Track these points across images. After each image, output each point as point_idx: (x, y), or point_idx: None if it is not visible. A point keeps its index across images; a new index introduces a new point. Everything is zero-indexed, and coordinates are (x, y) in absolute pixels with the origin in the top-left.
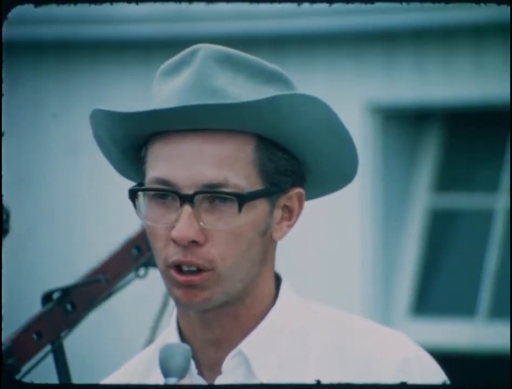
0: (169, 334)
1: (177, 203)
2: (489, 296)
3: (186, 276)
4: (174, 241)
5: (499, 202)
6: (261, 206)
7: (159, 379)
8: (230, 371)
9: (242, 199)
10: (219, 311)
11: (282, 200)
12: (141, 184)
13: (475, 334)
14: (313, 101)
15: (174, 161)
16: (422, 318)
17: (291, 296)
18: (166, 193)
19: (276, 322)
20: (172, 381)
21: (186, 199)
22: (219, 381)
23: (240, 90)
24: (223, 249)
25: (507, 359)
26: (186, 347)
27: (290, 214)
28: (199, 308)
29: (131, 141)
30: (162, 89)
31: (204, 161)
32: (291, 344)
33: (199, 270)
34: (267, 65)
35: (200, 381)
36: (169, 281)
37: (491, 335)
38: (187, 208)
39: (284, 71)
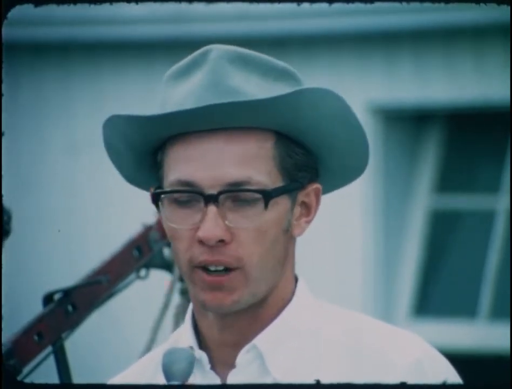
0: (182, 333)
1: (201, 204)
2: (490, 297)
3: (214, 277)
4: (201, 241)
5: (500, 203)
6: (283, 202)
7: (164, 382)
8: (244, 366)
9: (267, 196)
10: (239, 312)
11: (301, 197)
12: (158, 188)
13: (475, 335)
14: (328, 94)
15: (196, 162)
16: (423, 319)
17: (307, 295)
18: (189, 195)
19: (291, 320)
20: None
21: (211, 199)
22: (232, 375)
23: (255, 88)
24: (249, 247)
25: (508, 360)
26: (190, 351)
27: (308, 210)
28: (227, 311)
29: (148, 145)
30: (175, 92)
31: (226, 160)
32: (305, 342)
33: (226, 270)
34: (277, 62)
35: (213, 376)
36: (195, 284)
37: (492, 337)
38: (212, 208)
39: (291, 67)
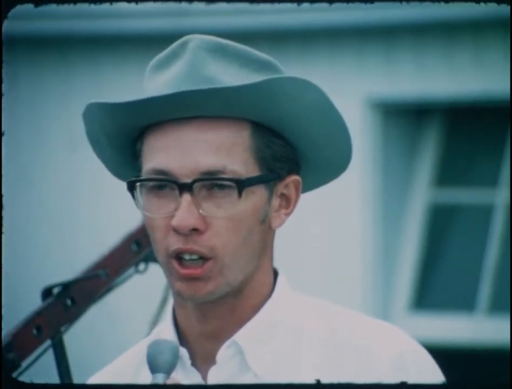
0: (164, 328)
1: (176, 193)
2: (489, 291)
3: (188, 269)
4: (175, 229)
5: (499, 197)
6: (259, 192)
7: (149, 375)
8: (224, 362)
9: (241, 185)
10: (217, 302)
11: (280, 188)
12: (138, 176)
13: (474, 329)
14: (304, 84)
15: (170, 151)
16: (422, 313)
17: (287, 290)
18: (164, 183)
19: (272, 315)
20: (160, 377)
21: (185, 188)
22: (213, 371)
23: (232, 78)
24: (223, 236)
25: (507, 354)
26: (174, 343)
27: (288, 202)
28: (202, 300)
29: (125, 135)
30: (153, 82)
31: (201, 149)
32: (286, 337)
33: (201, 259)
34: (258, 54)
35: (194, 372)
36: (170, 273)
37: (490, 330)
38: (186, 197)
39: (277, 61)
